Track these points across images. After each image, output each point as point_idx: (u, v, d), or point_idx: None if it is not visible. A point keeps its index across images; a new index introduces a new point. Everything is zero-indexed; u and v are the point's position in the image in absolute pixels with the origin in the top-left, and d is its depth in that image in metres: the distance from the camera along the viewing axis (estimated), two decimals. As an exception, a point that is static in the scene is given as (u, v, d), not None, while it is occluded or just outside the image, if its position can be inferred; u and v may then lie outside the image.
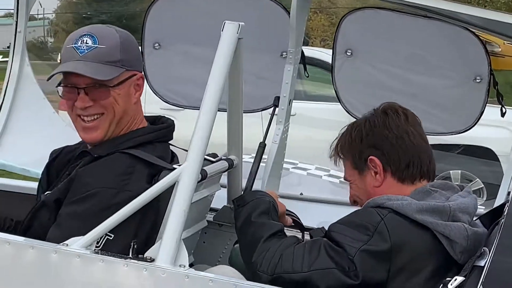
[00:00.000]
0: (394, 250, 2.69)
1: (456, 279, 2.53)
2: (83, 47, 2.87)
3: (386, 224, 2.71)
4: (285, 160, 4.65)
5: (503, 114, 3.95)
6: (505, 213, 2.71)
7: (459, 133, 3.22)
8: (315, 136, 9.77)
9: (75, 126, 2.98)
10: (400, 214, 2.75)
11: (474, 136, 9.96)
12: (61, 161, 3.11)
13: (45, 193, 2.96)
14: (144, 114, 3.08)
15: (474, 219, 2.91)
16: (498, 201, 3.67)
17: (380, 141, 2.92)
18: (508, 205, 2.75)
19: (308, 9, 3.64)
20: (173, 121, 3.14)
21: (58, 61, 3.18)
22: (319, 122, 9.40)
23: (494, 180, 9.72)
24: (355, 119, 3.82)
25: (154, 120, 3.11)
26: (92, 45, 2.88)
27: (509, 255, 2.53)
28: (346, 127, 3.05)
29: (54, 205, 2.85)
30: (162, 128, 3.07)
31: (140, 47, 3.99)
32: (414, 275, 2.71)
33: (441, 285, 2.57)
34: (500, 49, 23.33)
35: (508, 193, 2.89)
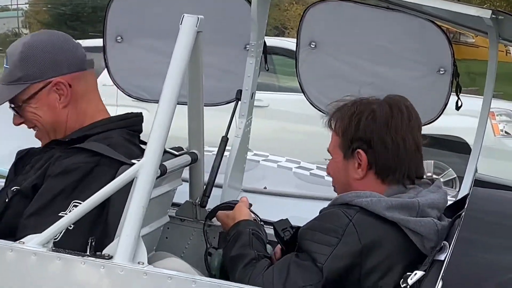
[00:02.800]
0: (364, 251, 2.66)
1: (416, 274, 2.52)
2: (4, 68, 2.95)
3: (355, 225, 2.68)
4: (255, 152, 4.66)
5: (458, 108, 3.93)
6: (465, 206, 2.69)
7: (424, 125, 3.20)
8: (287, 128, 9.81)
9: None
10: (369, 212, 2.71)
11: (448, 127, 10.09)
12: (26, 160, 3.10)
13: (14, 187, 2.93)
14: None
15: None
16: (462, 193, 3.67)
17: (376, 139, 2.83)
18: (469, 198, 2.73)
19: (269, 4, 3.61)
20: (140, 113, 3.14)
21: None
22: (291, 114, 9.41)
23: (466, 169, 9.81)
24: (321, 113, 3.84)
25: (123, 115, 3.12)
26: (4, 66, 2.94)
27: (468, 249, 2.52)
28: (351, 101, 2.92)
29: (31, 191, 2.84)
30: (131, 117, 3.08)
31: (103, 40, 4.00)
32: (386, 273, 2.69)
33: (401, 279, 2.57)
34: (473, 40, 23.47)
35: (471, 185, 2.87)
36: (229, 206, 3.25)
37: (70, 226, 2.67)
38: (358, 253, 2.66)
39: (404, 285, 2.54)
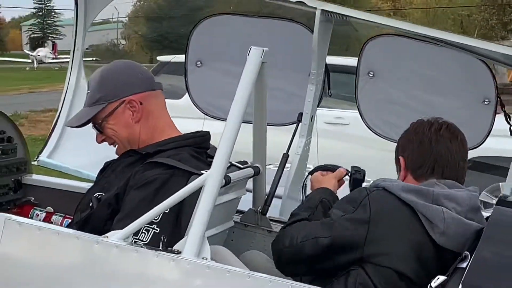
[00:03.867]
0: (372, 219, 3.07)
1: (438, 278, 2.83)
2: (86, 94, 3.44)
3: (369, 198, 3.13)
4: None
5: None
6: (488, 221, 3.02)
7: (470, 149, 3.53)
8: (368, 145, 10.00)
9: None
10: (388, 192, 3.13)
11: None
12: (109, 169, 3.55)
13: (99, 193, 3.37)
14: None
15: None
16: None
17: (407, 143, 3.33)
18: (491, 215, 3.03)
19: (329, 34, 3.96)
20: (208, 132, 3.55)
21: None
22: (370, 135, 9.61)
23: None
24: (376, 135, 4.23)
25: (193, 133, 3.53)
26: (87, 91, 3.45)
27: (484, 262, 2.81)
28: None
29: (114, 199, 3.28)
30: (197, 136, 3.49)
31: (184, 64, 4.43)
32: (389, 241, 3.06)
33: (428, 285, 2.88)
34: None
35: (497, 201, 3.18)
36: (328, 168, 3.71)
37: (157, 230, 3.12)
38: (366, 220, 3.07)
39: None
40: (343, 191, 3.54)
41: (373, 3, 46.01)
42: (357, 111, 10.24)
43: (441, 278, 2.86)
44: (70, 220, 3.83)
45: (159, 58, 12.22)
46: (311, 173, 3.77)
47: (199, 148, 3.48)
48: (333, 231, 3.11)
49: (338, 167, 3.72)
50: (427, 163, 3.27)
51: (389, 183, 3.18)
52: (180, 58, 10.48)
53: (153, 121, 3.45)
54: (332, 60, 10.25)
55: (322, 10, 3.77)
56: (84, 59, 4.58)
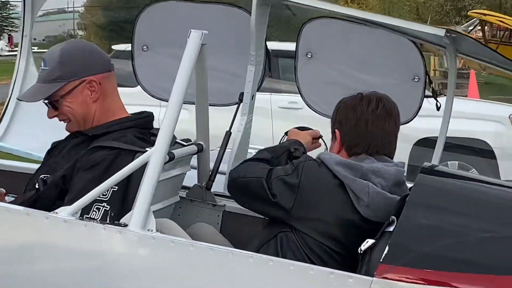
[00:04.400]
0: (301, 184, 3.32)
1: (367, 241, 3.07)
2: (40, 70, 3.54)
3: (304, 165, 3.38)
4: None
5: (438, 108, 4.44)
6: (412, 188, 3.22)
7: (401, 124, 3.73)
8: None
9: None
10: (324, 164, 3.36)
11: (473, 130, 10.47)
12: (56, 149, 3.69)
13: (44, 175, 3.51)
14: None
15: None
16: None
17: (345, 120, 3.52)
18: (415, 182, 3.23)
19: (267, 16, 4.10)
20: (151, 113, 3.72)
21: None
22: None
23: (489, 171, 10.21)
24: (315, 112, 4.44)
25: (138, 114, 3.70)
26: (42, 68, 3.52)
27: (411, 224, 3.05)
28: None
29: (61, 181, 3.42)
30: (142, 117, 3.66)
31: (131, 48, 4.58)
32: (315, 208, 3.32)
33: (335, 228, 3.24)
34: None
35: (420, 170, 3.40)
36: (304, 128, 4.00)
37: (107, 207, 3.28)
38: (295, 185, 3.33)
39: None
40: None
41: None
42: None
43: (370, 241, 3.08)
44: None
45: (114, 47, 12.35)
46: (286, 133, 4.03)
47: (143, 129, 3.63)
48: (271, 186, 3.37)
49: (310, 128, 4.03)
50: (362, 144, 3.49)
51: (327, 156, 3.41)
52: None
53: (108, 101, 3.59)
54: (284, 46, 10.44)
55: None
56: (39, 50, 4.70)
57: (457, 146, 9.56)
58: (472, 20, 27.41)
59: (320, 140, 4.04)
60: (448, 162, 10.10)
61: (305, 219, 3.34)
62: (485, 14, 25.55)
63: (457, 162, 10.30)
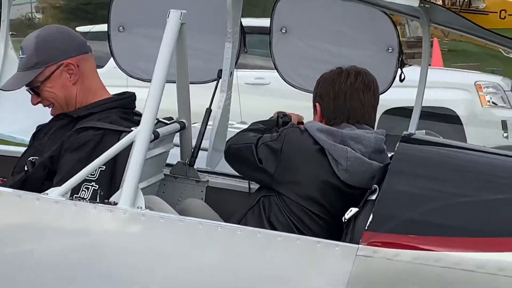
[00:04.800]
0: (283, 150, 3.46)
1: (351, 210, 3.17)
2: (19, 58, 3.60)
3: (287, 132, 3.53)
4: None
5: (401, 80, 4.55)
6: (393, 156, 3.32)
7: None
8: (289, 104, 10.28)
9: None
10: (307, 131, 3.49)
11: (439, 99, 10.60)
12: (41, 132, 3.75)
13: (32, 157, 3.57)
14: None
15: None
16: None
17: (324, 93, 3.62)
18: (395, 150, 3.32)
19: None
20: (134, 93, 3.78)
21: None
22: (291, 91, 9.89)
23: (457, 138, 10.36)
24: (292, 87, 4.53)
25: (120, 94, 3.76)
26: (20, 56, 3.59)
27: (393, 191, 3.14)
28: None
29: (49, 162, 3.48)
30: (125, 98, 3.72)
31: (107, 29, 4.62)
32: (296, 171, 3.45)
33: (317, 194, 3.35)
34: (484, 5, 23.63)
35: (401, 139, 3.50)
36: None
37: (96, 187, 3.34)
38: (278, 150, 3.47)
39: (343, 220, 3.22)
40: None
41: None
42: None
43: (353, 210, 3.19)
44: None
45: (78, 28, 12.32)
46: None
47: (126, 109, 3.69)
48: (258, 151, 3.52)
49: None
50: (341, 116, 3.59)
51: (310, 124, 3.54)
52: (99, 27, 10.61)
53: (88, 83, 3.64)
54: (248, 22, 10.52)
55: None
56: None
57: (424, 115, 9.65)
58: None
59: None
60: (416, 131, 10.21)
61: (287, 182, 3.46)
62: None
63: (424, 131, 10.40)
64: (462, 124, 10.58)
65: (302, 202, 3.42)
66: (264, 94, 10.22)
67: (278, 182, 3.47)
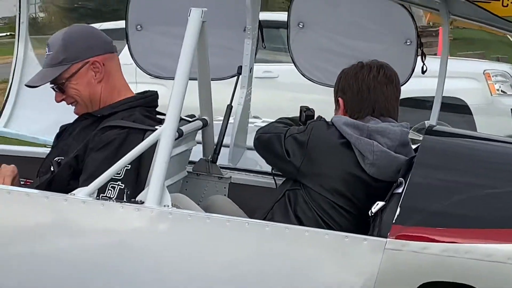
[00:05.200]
0: (309, 143, 3.46)
1: (378, 204, 3.17)
2: (45, 56, 3.59)
3: (314, 125, 3.53)
4: (264, 119, 5.25)
5: (423, 72, 4.53)
6: (418, 150, 3.33)
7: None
8: (297, 97, 10.29)
9: None
10: (333, 125, 3.50)
11: (447, 89, 10.56)
12: (66, 132, 3.75)
13: (58, 157, 3.57)
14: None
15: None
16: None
17: (347, 88, 3.61)
18: (421, 143, 3.35)
19: None
20: (156, 91, 3.78)
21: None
22: (300, 84, 9.88)
23: (467, 127, 10.34)
24: (310, 81, 4.53)
25: (143, 93, 3.76)
26: (47, 53, 3.59)
27: (420, 184, 3.15)
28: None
29: (74, 161, 3.48)
30: (148, 96, 3.73)
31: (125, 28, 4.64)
32: (322, 164, 3.45)
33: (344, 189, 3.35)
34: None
35: (425, 131, 3.50)
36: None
37: (122, 186, 3.34)
38: (304, 142, 3.47)
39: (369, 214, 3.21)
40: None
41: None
42: (284, 64, 10.49)
43: (380, 204, 3.19)
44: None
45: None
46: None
47: (149, 107, 3.70)
48: (285, 142, 3.52)
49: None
50: (365, 109, 3.58)
51: (337, 118, 3.54)
52: (107, 25, 10.60)
53: (112, 82, 3.65)
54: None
55: None
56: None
57: (429, 105, 9.64)
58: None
59: None
60: (425, 121, 10.20)
61: (312, 175, 3.46)
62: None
63: (426, 121, 10.38)
64: (472, 114, 10.55)
65: (328, 195, 3.43)
66: (272, 88, 10.20)
67: (303, 174, 3.48)
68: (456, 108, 10.50)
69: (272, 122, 3.79)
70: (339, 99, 3.66)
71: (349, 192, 3.43)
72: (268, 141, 3.62)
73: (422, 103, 9.30)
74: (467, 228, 3.00)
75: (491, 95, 10.68)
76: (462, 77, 10.61)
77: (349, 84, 3.62)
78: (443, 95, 9.76)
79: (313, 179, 3.46)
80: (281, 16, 10.84)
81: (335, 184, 3.43)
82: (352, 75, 3.63)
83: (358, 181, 3.44)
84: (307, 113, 3.90)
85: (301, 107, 3.94)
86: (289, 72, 10.24)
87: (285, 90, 10.07)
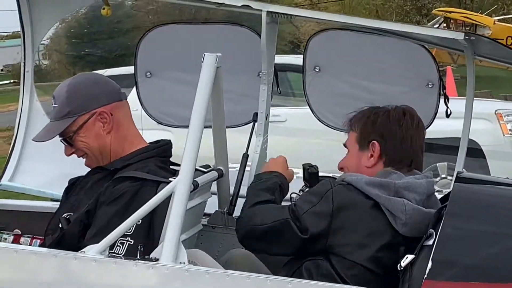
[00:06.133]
0: (335, 210, 3.23)
1: (407, 257, 3.01)
2: (51, 109, 3.48)
3: (333, 191, 3.28)
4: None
5: (448, 115, 4.40)
6: (449, 198, 3.17)
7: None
8: (305, 141, 10.20)
9: None
10: (353, 186, 3.28)
11: (459, 129, 10.46)
12: (77, 187, 3.62)
13: (67, 213, 3.43)
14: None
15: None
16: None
17: (389, 134, 3.41)
18: (451, 191, 3.22)
19: (276, 34, 4.08)
20: (169, 140, 3.64)
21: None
22: (307, 128, 9.80)
23: (479, 170, 10.20)
24: (327, 127, 4.37)
25: (155, 143, 3.63)
26: (53, 105, 3.47)
27: (453, 233, 3.00)
28: (367, 107, 3.54)
29: (85, 216, 3.35)
30: (161, 146, 3.59)
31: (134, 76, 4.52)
32: (352, 232, 3.23)
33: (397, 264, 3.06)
34: (490, 32, 23.63)
35: (455, 178, 3.35)
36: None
37: (131, 242, 3.20)
38: (329, 212, 3.23)
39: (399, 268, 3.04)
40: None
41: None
42: (293, 107, 10.37)
43: (409, 257, 3.04)
44: (39, 241, 3.88)
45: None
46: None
47: (163, 158, 3.57)
48: (301, 223, 3.26)
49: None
50: (405, 161, 3.41)
51: (354, 177, 3.32)
52: (112, 71, 10.55)
53: (123, 132, 3.52)
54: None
55: (268, 12, 3.90)
56: (1, 81, 4.65)
57: (445, 146, 9.52)
58: (437, 18, 27.57)
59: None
60: (437, 164, 10.08)
61: (342, 245, 3.25)
62: (450, 12, 25.75)
63: (446, 163, 10.27)
64: (484, 156, 10.43)
65: (358, 261, 3.23)
66: (281, 132, 10.11)
67: (331, 246, 3.27)
68: (468, 150, 10.35)
69: (252, 205, 3.48)
70: (375, 143, 3.44)
71: (380, 254, 3.25)
72: (270, 231, 3.33)
73: (428, 145, 9.18)
74: (504, 283, 2.85)
75: (504, 135, 10.59)
76: (474, 118, 10.49)
77: (392, 130, 3.42)
78: (453, 136, 9.65)
79: (342, 248, 3.25)
80: (288, 59, 10.91)
81: (368, 251, 3.24)
82: (395, 120, 3.43)
83: (391, 243, 3.25)
84: (310, 170, 3.71)
85: (303, 165, 3.75)
86: (297, 116, 10.39)
87: (293, 134, 9.99)
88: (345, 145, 3.58)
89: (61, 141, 3.52)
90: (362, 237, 3.24)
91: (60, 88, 3.50)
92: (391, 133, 3.42)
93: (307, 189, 3.62)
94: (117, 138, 3.50)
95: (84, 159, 3.56)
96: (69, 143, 3.50)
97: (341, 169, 3.57)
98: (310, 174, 3.72)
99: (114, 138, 3.50)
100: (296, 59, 10.74)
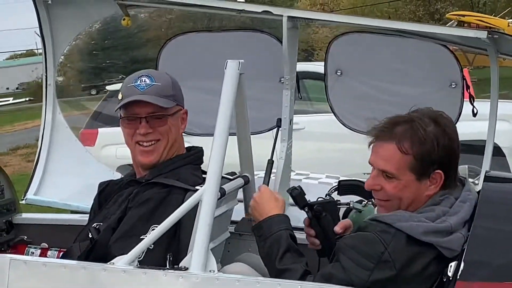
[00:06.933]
0: (400, 273, 2.99)
1: (451, 266, 2.92)
2: (143, 84, 3.44)
3: (390, 254, 2.98)
4: (297, 172, 5.09)
5: (474, 114, 4.34)
6: (478, 198, 3.13)
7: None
8: (324, 147, 10.17)
9: (133, 152, 3.53)
10: (406, 234, 3.01)
11: (480, 131, 10.38)
12: (109, 191, 3.63)
13: (97, 223, 3.44)
14: None
15: None
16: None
17: (454, 158, 3.14)
18: (481, 192, 3.16)
19: (297, 39, 4.07)
20: (201, 148, 3.67)
21: (119, 97, 3.53)
22: (326, 134, 9.77)
23: (501, 169, 10.12)
24: (351, 130, 4.33)
25: (189, 149, 3.66)
26: (150, 83, 3.45)
27: (483, 233, 2.99)
28: (406, 117, 3.15)
29: (117, 224, 3.35)
30: (195, 153, 3.63)
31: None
32: (414, 278, 3.02)
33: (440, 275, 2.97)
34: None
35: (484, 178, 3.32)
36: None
37: (151, 246, 3.15)
38: (394, 277, 2.98)
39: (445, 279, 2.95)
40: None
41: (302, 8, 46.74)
42: (310, 114, 10.34)
43: (453, 265, 2.94)
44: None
45: (109, 87, 12.44)
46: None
47: (195, 165, 3.61)
48: None
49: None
50: (455, 175, 3.21)
51: (407, 225, 3.02)
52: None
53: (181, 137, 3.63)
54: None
55: (289, 17, 3.88)
56: (15, 100, 4.65)
57: (464, 149, 9.43)
58: (451, 22, 27.50)
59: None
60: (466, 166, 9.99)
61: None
62: (463, 15, 25.63)
63: (466, 166, 10.16)
64: (505, 156, 10.37)
65: None
66: (300, 139, 10.06)
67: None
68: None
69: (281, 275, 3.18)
70: (439, 172, 3.11)
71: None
72: None
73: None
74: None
75: (526, 138, 10.51)
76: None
77: (454, 152, 3.15)
78: (477, 138, 9.60)
79: None
80: (304, 66, 10.87)
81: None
82: (456, 145, 3.15)
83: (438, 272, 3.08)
84: (294, 193, 3.46)
85: (287, 191, 3.52)
86: (315, 123, 10.35)
87: (312, 141, 9.95)
88: (388, 170, 3.13)
89: (148, 116, 3.46)
90: (420, 276, 3.04)
91: (161, 72, 3.68)
92: (452, 155, 3.16)
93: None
94: (181, 138, 3.61)
95: (143, 148, 3.50)
96: (159, 120, 3.48)
97: (374, 189, 3.18)
98: (295, 197, 3.48)
99: (180, 138, 3.60)
100: (311, 67, 10.73)
